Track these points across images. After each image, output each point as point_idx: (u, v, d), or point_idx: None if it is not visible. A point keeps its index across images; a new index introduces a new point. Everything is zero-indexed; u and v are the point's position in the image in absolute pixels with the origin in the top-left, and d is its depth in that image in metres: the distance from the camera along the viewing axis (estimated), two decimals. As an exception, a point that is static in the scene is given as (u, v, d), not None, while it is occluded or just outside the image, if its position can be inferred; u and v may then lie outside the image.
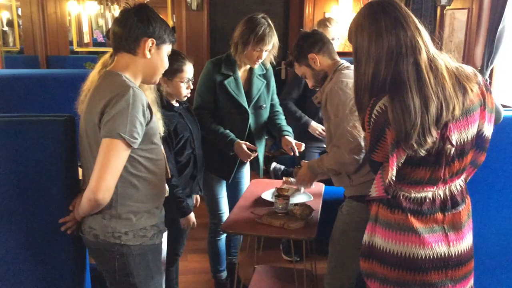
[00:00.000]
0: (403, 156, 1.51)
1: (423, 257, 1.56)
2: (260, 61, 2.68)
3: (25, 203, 1.88)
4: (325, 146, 3.49)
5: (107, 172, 1.64)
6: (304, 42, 2.30)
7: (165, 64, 1.87)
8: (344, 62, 2.29)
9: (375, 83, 1.52)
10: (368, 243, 1.66)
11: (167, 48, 1.84)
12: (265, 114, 2.89)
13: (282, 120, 2.98)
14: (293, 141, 2.77)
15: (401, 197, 1.59)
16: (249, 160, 2.72)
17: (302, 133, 3.49)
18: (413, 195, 1.58)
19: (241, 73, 2.77)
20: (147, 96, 2.12)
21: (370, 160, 1.62)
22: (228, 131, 2.70)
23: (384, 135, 1.50)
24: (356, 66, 1.59)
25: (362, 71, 1.56)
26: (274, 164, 2.72)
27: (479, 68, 3.47)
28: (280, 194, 2.49)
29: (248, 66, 2.77)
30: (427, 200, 1.58)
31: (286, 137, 2.80)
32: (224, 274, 3.09)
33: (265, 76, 2.85)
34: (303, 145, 2.80)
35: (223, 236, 3.00)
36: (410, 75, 1.47)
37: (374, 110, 1.50)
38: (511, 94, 3.43)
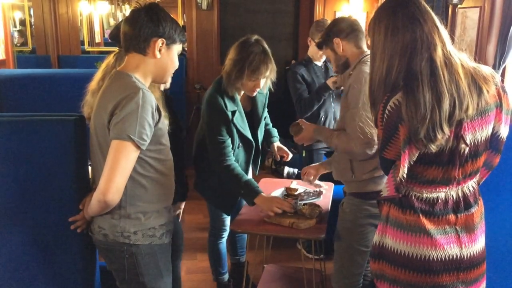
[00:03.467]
0: (416, 153, 1.49)
1: (435, 258, 1.54)
2: (258, 89, 2.50)
3: (35, 201, 1.91)
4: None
5: (116, 174, 1.65)
6: (333, 26, 2.33)
7: (175, 64, 1.87)
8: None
9: (388, 78, 1.51)
10: (378, 244, 1.65)
11: (177, 48, 1.84)
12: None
13: (268, 123, 2.94)
14: (283, 147, 2.78)
15: (413, 197, 1.57)
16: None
17: None
18: (425, 195, 1.56)
19: (240, 95, 2.60)
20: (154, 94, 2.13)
21: (382, 158, 1.60)
22: (252, 179, 2.50)
23: (397, 132, 1.49)
24: (372, 60, 1.59)
25: (376, 65, 1.55)
26: (287, 169, 2.71)
27: (491, 67, 3.43)
28: (289, 193, 2.48)
29: None
30: (439, 200, 1.56)
31: (275, 144, 2.82)
32: (226, 277, 3.08)
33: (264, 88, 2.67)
34: (290, 154, 2.80)
35: (224, 240, 2.99)
36: (424, 70, 1.46)
37: (387, 106, 1.49)
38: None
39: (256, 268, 3.12)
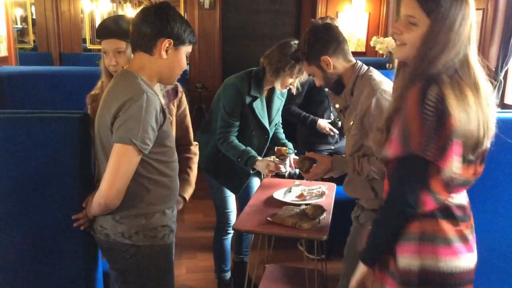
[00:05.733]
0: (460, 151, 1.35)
1: (473, 267, 1.45)
2: (289, 87, 2.67)
3: (39, 199, 1.89)
4: (333, 148, 3.48)
5: (117, 178, 1.64)
6: (317, 40, 2.08)
7: (183, 66, 1.82)
8: (362, 64, 2.13)
9: (436, 65, 1.37)
10: (418, 269, 1.42)
11: (186, 49, 1.80)
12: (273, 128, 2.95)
13: (282, 134, 3.02)
14: (294, 159, 2.80)
15: (450, 204, 1.43)
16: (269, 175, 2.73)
17: (312, 136, 3.47)
18: (457, 200, 1.44)
19: (266, 90, 2.76)
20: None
21: (420, 159, 1.33)
22: (249, 148, 2.71)
23: (444, 123, 1.31)
24: (427, 39, 1.39)
25: (432, 45, 1.37)
26: (289, 169, 2.72)
27: (494, 69, 3.44)
28: (279, 155, 2.66)
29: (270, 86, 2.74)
30: (466, 204, 1.48)
31: (290, 156, 2.81)
32: (228, 275, 3.09)
33: (282, 95, 2.86)
34: None
35: (229, 236, 3.01)
36: (465, 74, 1.38)
37: (429, 97, 1.31)
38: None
39: (257, 268, 3.12)
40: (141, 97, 1.62)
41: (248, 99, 2.66)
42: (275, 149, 2.73)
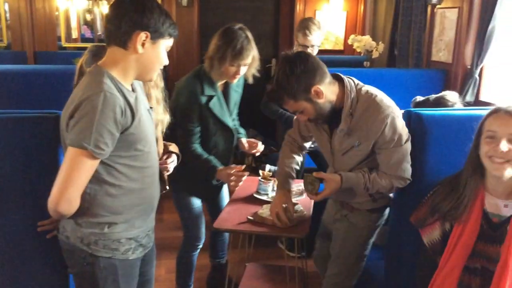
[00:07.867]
0: None
1: None
2: (238, 76, 2.48)
3: (13, 200, 1.86)
4: (313, 146, 3.48)
5: (69, 185, 1.51)
6: (301, 72, 1.89)
7: (162, 61, 1.69)
8: (349, 80, 2.02)
9: None
10: None
11: (166, 43, 1.66)
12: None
13: (237, 121, 2.87)
14: (251, 139, 2.78)
15: None
16: (237, 186, 2.53)
17: None
18: None
19: (220, 84, 2.57)
20: (151, 95, 2.01)
21: None
22: (211, 157, 2.54)
23: None
24: None
25: None
26: (268, 167, 2.72)
27: (469, 66, 3.49)
28: (263, 178, 2.66)
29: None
30: None
31: (242, 139, 2.74)
32: None
33: (239, 86, 2.69)
34: (260, 143, 2.71)
35: (198, 251, 2.84)
36: None
37: None
38: (499, 93, 3.45)
39: (237, 266, 3.11)
40: (98, 97, 1.49)
41: (203, 99, 2.47)
42: (259, 171, 2.70)
